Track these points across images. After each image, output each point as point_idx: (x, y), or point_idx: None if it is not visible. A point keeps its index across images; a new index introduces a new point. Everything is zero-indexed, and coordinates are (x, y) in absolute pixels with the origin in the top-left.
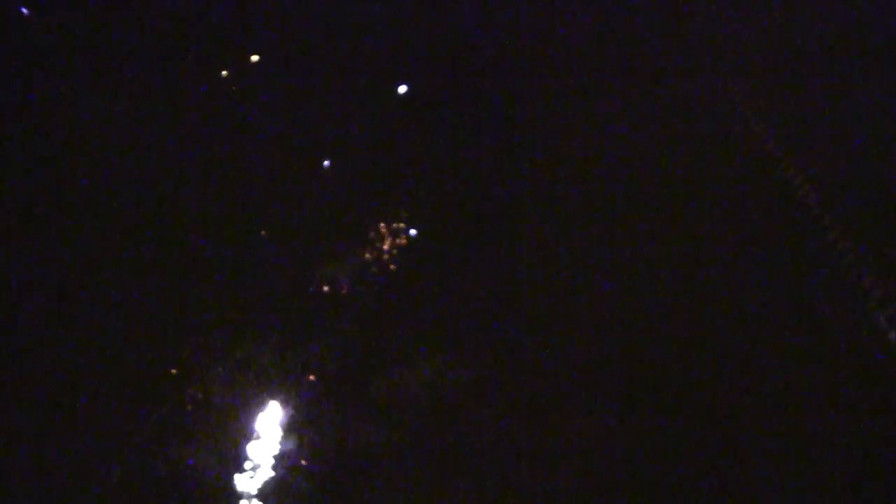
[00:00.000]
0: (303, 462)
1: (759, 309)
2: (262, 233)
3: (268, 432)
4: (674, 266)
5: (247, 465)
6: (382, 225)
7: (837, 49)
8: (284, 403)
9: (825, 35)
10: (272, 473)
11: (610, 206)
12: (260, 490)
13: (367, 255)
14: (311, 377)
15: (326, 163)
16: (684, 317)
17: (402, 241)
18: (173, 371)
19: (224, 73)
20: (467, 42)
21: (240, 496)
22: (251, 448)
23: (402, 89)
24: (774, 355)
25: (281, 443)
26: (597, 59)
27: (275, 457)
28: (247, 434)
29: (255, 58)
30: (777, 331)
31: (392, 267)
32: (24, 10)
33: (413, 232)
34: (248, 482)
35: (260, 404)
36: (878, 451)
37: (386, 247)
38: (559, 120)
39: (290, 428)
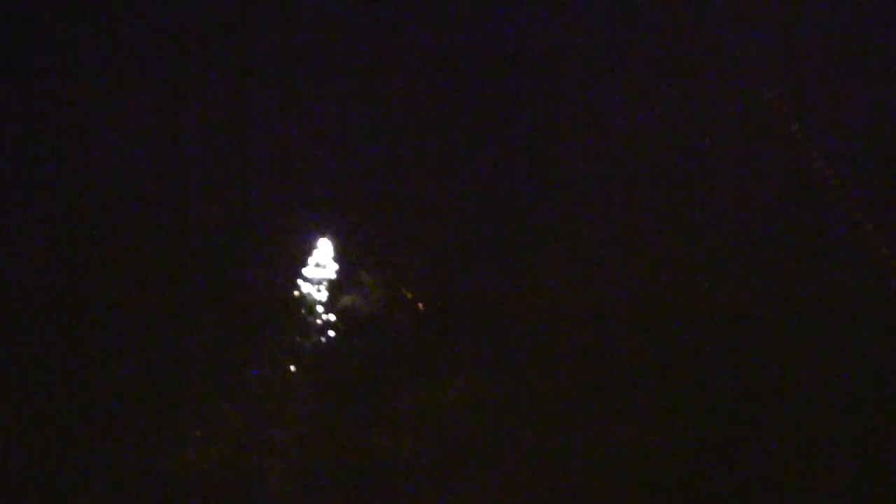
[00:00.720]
0: (323, 473)
1: (775, 309)
2: (282, 237)
3: (289, 443)
4: (706, 282)
5: (268, 475)
6: (407, 245)
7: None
8: (305, 415)
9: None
10: (293, 484)
11: (637, 222)
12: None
13: (394, 273)
14: (333, 389)
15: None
16: (716, 325)
17: (426, 256)
18: (191, 379)
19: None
20: (477, 41)
21: None
22: (271, 458)
23: (404, 91)
24: (791, 360)
25: (301, 454)
26: (612, 53)
27: (295, 468)
28: (268, 444)
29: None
30: (795, 332)
31: (420, 281)
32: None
33: (436, 245)
34: (269, 493)
35: (282, 414)
36: (879, 452)
37: (412, 264)
38: (572, 120)
39: (311, 440)
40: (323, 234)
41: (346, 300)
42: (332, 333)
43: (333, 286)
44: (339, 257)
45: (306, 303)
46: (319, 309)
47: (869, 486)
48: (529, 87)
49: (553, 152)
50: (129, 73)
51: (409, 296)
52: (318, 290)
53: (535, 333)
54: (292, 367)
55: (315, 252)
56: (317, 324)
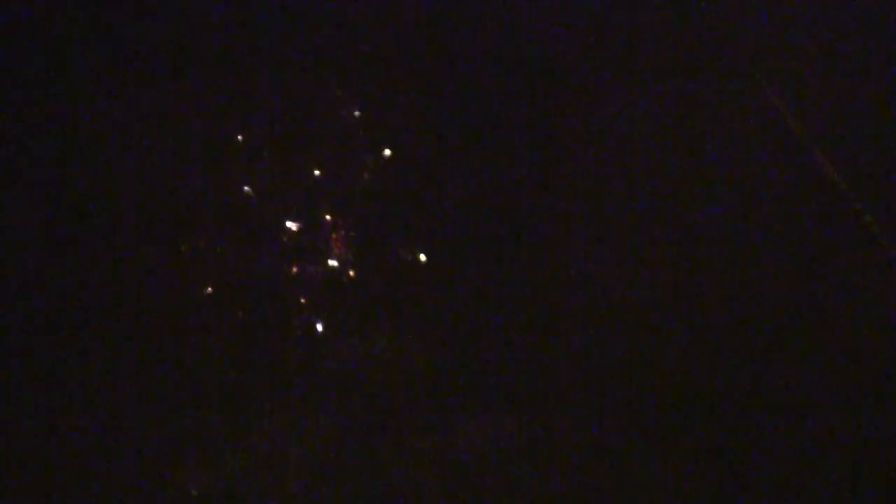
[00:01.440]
0: None
1: (780, 310)
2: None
3: (301, 484)
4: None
5: None
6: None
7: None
8: (321, 449)
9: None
10: None
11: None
12: None
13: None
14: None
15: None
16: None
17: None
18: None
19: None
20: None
21: None
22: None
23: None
24: (794, 361)
25: (317, 490)
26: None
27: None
28: (279, 485)
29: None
30: (800, 334)
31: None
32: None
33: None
34: None
35: (294, 454)
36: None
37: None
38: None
39: (325, 475)
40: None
41: (359, 338)
42: (346, 370)
43: (349, 322)
44: (351, 293)
45: (317, 342)
46: (332, 345)
47: (869, 487)
48: (530, 90)
49: (557, 166)
50: (129, 72)
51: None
52: (330, 327)
53: (560, 376)
54: (304, 406)
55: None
56: (331, 361)
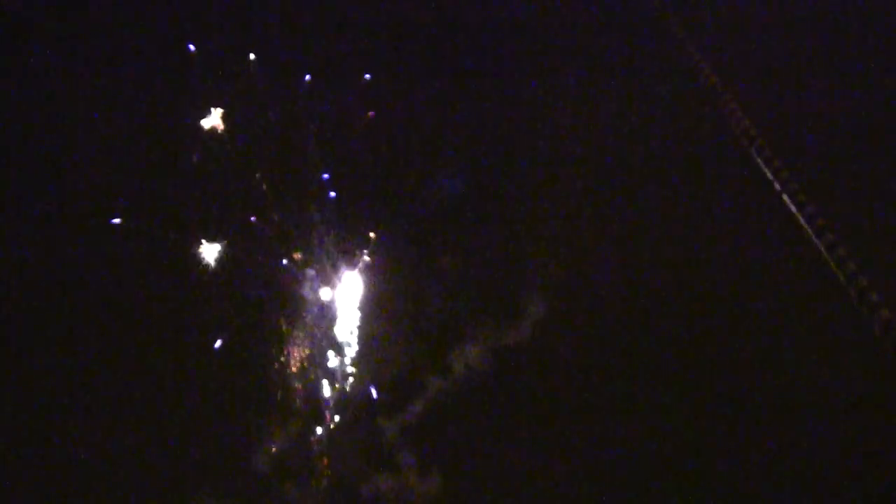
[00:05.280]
0: None
1: (760, 310)
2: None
3: None
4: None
5: None
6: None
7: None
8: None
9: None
10: None
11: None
12: None
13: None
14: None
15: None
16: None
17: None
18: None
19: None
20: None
21: None
22: None
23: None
24: (778, 359)
25: None
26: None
27: None
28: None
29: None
30: (779, 333)
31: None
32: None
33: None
34: None
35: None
36: (878, 451)
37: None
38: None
39: None
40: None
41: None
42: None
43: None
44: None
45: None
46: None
47: (869, 487)
48: (521, 87)
49: (546, 162)
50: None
51: None
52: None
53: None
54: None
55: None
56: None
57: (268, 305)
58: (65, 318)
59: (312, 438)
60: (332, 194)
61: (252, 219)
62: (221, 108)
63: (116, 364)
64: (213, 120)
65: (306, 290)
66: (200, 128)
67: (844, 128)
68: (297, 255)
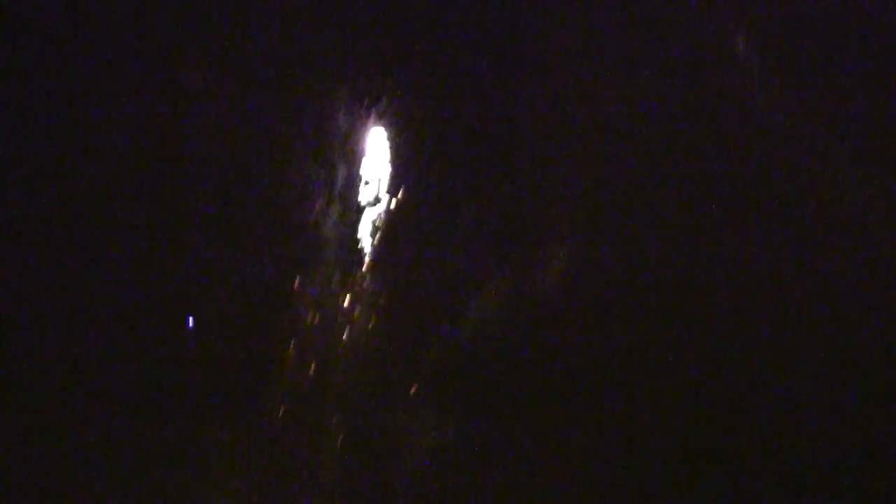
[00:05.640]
0: None
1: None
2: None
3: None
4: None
5: None
6: None
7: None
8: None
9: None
10: None
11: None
12: None
13: None
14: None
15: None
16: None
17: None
18: None
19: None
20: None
21: None
22: None
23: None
24: (782, 360)
25: None
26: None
27: None
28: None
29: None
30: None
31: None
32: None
33: None
34: None
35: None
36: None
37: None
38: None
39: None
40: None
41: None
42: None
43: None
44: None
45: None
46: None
47: (869, 487)
48: (527, 86)
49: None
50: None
51: None
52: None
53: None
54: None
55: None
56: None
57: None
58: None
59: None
60: None
61: None
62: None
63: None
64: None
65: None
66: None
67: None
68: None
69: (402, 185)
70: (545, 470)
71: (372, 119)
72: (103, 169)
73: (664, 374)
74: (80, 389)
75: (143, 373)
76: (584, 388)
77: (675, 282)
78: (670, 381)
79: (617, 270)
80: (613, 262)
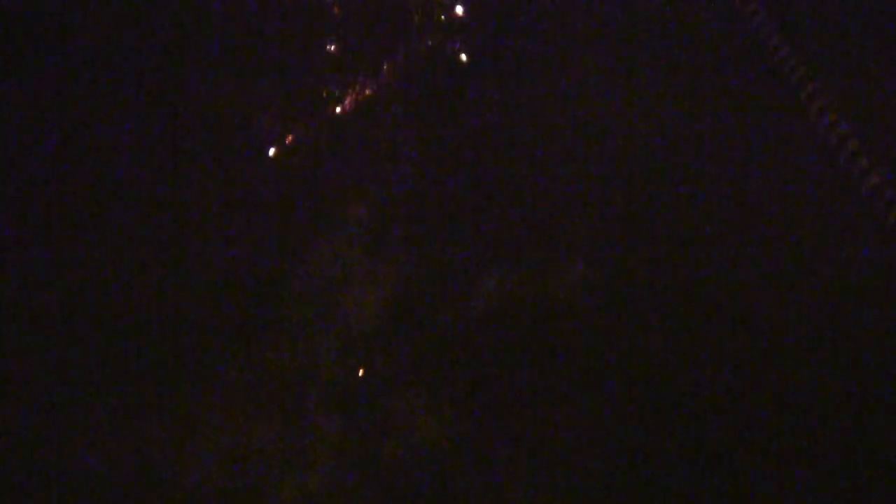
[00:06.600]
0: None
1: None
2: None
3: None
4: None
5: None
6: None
7: None
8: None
9: None
10: None
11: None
12: None
13: None
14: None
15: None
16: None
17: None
18: None
19: None
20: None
21: None
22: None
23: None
24: (785, 356)
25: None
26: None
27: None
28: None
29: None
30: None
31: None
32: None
33: None
34: None
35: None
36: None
37: None
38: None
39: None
40: None
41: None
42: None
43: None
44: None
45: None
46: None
47: (869, 487)
48: (523, 86)
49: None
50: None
51: None
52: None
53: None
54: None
55: None
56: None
57: None
58: None
59: None
60: None
61: None
62: None
63: None
64: None
65: None
66: None
67: None
68: None
69: (409, 179)
70: (545, 468)
71: None
72: None
73: (664, 374)
74: (78, 316)
75: (142, 300)
76: (585, 387)
77: (676, 282)
78: (670, 381)
79: (617, 270)
80: (615, 261)
